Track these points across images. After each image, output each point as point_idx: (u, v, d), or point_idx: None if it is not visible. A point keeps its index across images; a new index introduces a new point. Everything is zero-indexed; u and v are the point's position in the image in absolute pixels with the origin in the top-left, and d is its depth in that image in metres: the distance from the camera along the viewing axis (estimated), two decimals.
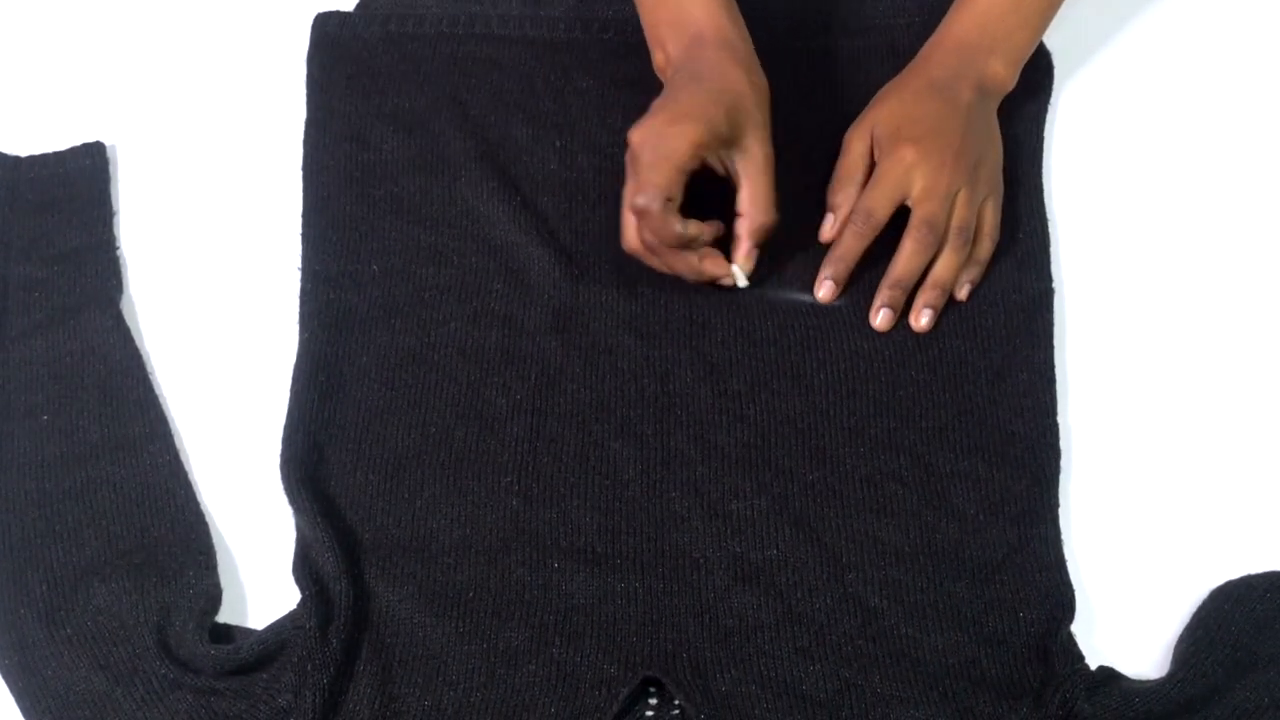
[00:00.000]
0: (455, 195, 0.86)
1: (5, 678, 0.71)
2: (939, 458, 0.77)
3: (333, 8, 0.94)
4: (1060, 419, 0.78)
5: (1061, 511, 0.76)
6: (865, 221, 0.80)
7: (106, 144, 0.89)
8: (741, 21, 0.83)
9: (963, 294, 0.81)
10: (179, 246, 0.87)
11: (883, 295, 0.80)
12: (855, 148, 0.83)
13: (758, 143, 0.79)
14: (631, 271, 0.83)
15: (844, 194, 0.82)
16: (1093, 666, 0.70)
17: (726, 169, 0.80)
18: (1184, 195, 0.88)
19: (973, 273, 0.82)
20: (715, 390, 0.79)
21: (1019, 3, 0.85)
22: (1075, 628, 0.72)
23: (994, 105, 0.85)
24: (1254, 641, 0.71)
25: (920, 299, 0.81)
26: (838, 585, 0.73)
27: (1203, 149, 0.89)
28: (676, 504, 0.76)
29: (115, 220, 0.87)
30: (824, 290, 0.81)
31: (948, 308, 0.81)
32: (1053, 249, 0.84)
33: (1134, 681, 0.70)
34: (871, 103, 0.85)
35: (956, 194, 0.80)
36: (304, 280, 0.83)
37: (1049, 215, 0.86)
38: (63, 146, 0.89)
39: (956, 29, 0.86)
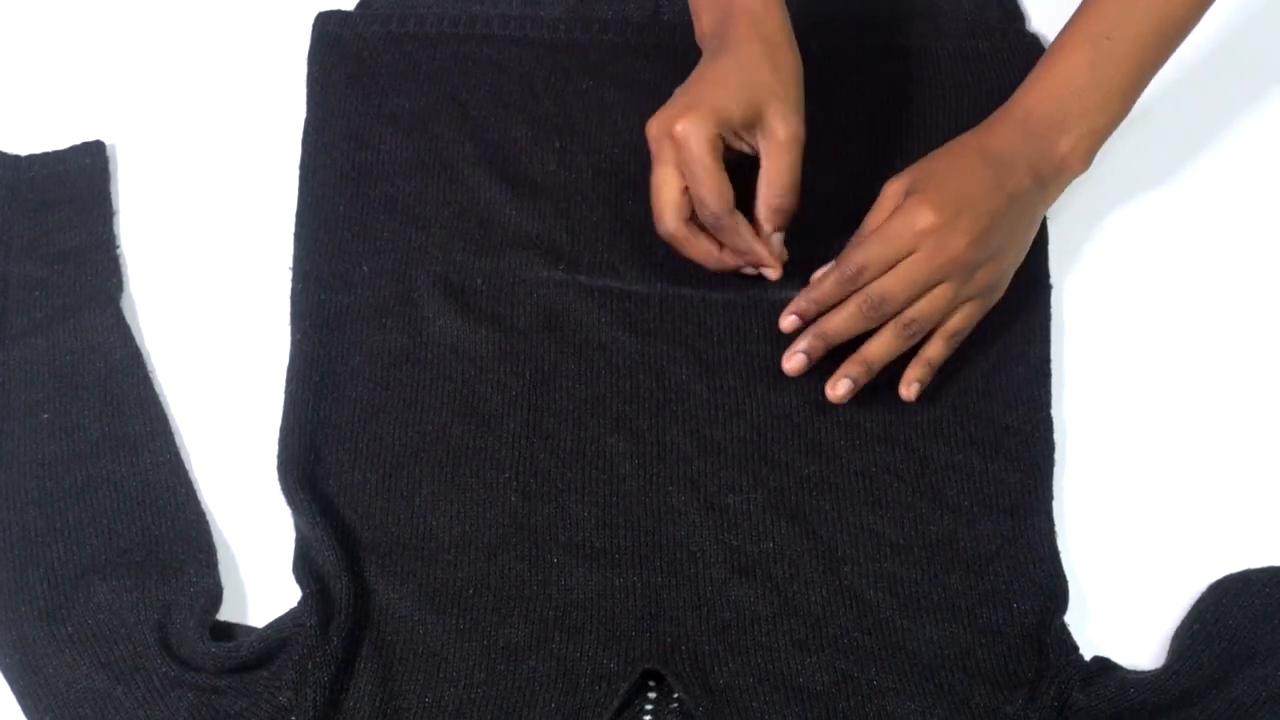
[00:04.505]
0: (451, 195, 0.86)
1: (6, 676, 0.71)
2: (934, 451, 0.77)
3: (333, 7, 0.94)
4: (1055, 412, 0.79)
5: (1057, 504, 0.76)
6: (852, 278, 0.75)
7: (106, 143, 0.89)
8: None
9: (907, 392, 0.77)
10: (179, 245, 0.87)
11: (804, 339, 0.76)
12: (887, 204, 0.78)
13: (780, 120, 0.76)
14: (627, 270, 0.83)
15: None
16: (1088, 657, 0.71)
17: (753, 150, 0.78)
18: (1181, 191, 0.88)
19: (919, 372, 0.77)
20: (711, 386, 0.79)
21: (1100, 78, 0.78)
22: (1071, 619, 0.72)
23: (1051, 194, 0.80)
24: (1252, 635, 0.71)
25: (842, 366, 0.76)
26: (834, 578, 0.74)
27: (1201, 145, 0.89)
28: (673, 498, 0.76)
29: (115, 219, 0.87)
30: (792, 363, 0.77)
31: None
32: (1049, 245, 0.85)
33: (1130, 672, 0.71)
34: (923, 159, 0.79)
35: (936, 285, 0.75)
36: (295, 280, 0.84)
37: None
38: (63, 145, 0.89)
39: (1028, 99, 0.79)
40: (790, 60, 0.78)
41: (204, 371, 0.82)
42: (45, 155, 0.88)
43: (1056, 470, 0.77)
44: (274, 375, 0.80)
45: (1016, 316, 0.81)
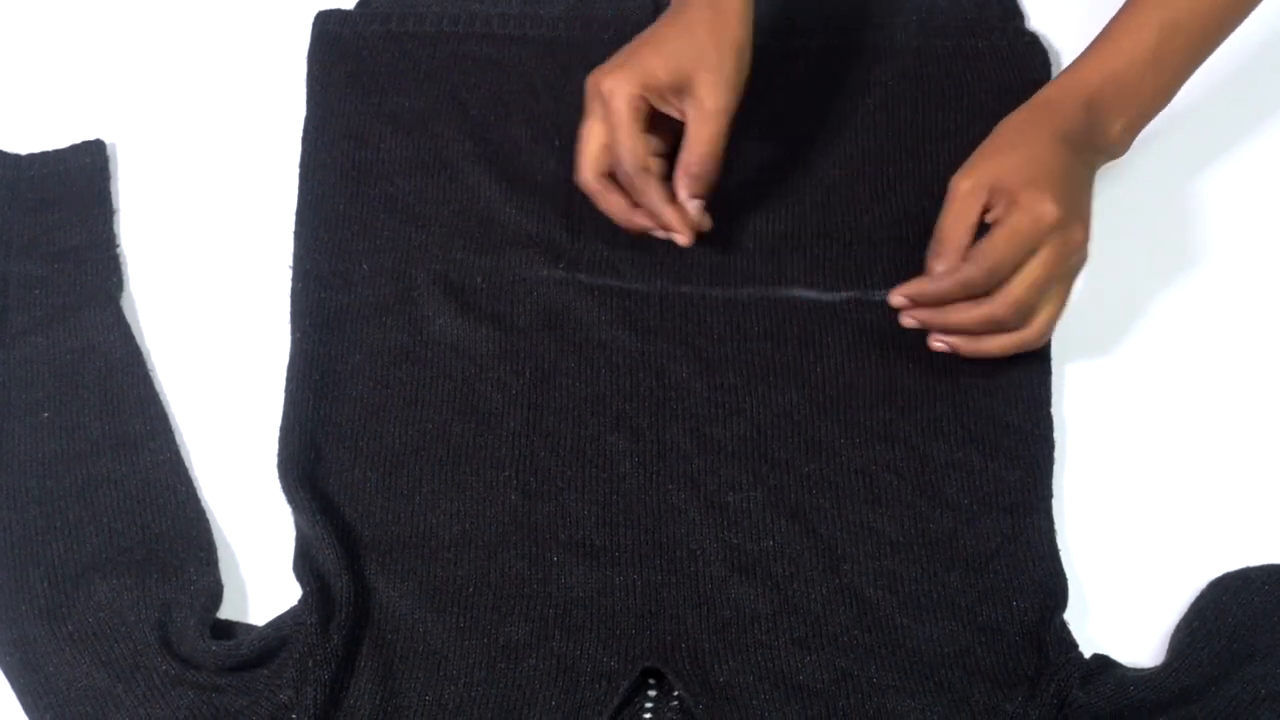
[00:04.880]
0: (450, 194, 0.86)
1: (7, 675, 0.71)
2: (934, 449, 0.77)
3: (333, 6, 0.94)
4: (1055, 410, 0.79)
5: (1057, 502, 0.76)
6: (981, 278, 0.73)
7: (107, 142, 0.89)
8: None
9: (935, 343, 0.77)
10: (179, 244, 0.87)
11: (940, 337, 0.76)
12: (964, 204, 0.75)
13: (708, 90, 0.76)
14: (627, 268, 0.83)
15: (946, 261, 0.75)
16: (1087, 655, 0.71)
17: (681, 114, 0.78)
18: (1180, 189, 0.88)
19: (977, 345, 0.76)
20: (711, 384, 0.80)
21: (1161, 65, 0.77)
22: (1070, 617, 0.72)
23: (1096, 171, 0.79)
24: (1250, 634, 0.71)
25: (949, 337, 0.76)
26: (833, 576, 0.74)
27: (1201, 141, 0.89)
28: (673, 496, 0.76)
29: (115, 218, 0.87)
30: (938, 345, 0.76)
31: None
32: None
33: (1129, 670, 0.71)
34: (982, 149, 0.77)
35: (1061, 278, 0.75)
36: (295, 279, 0.84)
37: None
38: (63, 144, 0.89)
39: (1090, 80, 0.77)
40: (734, 32, 0.77)
41: (204, 371, 0.82)
42: (45, 154, 0.88)
43: (1056, 468, 0.77)
44: (274, 374, 0.80)
45: None
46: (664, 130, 0.79)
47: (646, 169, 0.77)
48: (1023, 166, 0.74)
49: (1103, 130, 0.77)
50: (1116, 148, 0.79)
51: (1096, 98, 0.77)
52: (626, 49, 0.78)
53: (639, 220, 0.79)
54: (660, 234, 0.79)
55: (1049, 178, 0.74)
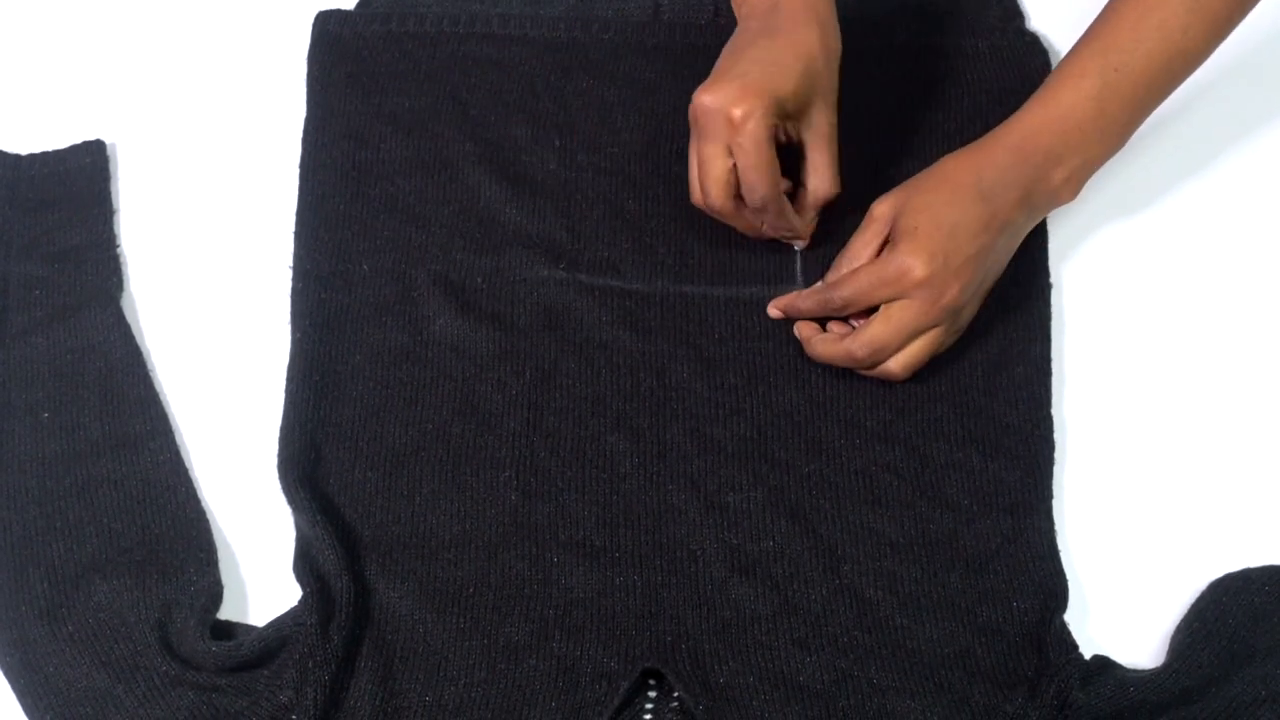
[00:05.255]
0: (451, 194, 0.86)
1: (6, 675, 0.71)
2: (934, 449, 0.77)
3: (333, 6, 0.94)
4: (1055, 411, 0.79)
5: (1057, 503, 0.76)
6: (837, 305, 0.77)
7: (107, 142, 0.89)
8: None
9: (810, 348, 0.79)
10: (179, 244, 0.87)
11: (799, 340, 0.79)
12: (872, 228, 0.78)
13: (823, 113, 0.78)
14: (628, 268, 0.83)
15: (834, 275, 0.78)
16: (1087, 656, 0.71)
17: (790, 137, 0.79)
18: (1180, 190, 0.88)
19: (840, 359, 0.78)
20: (711, 384, 0.80)
21: (1104, 110, 0.76)
22: (1070, 618, 0.72)
23: (1036, 221, 0.80)
24: (1251, 634, 0.71)
25: (798, 329, 0.79)
26: (833, 577, 0.74)
27: (1201, 143, 0.89)
28: (674, 497, 0.76)
29: (115, 218, 0.87)
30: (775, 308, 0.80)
31: None
32: (1050, 244, 0.85)
33: (1129, 671, 0.71)
34: (914, 179, 0.78)
35: (927, 330, 0.76)
36: (295, 279, 0.84)
37: None
38: (63, 144, 0.89)
39: (1028, 125, 0.77)
40: (836, 48, 0.78)
41: (204, 371, 0.82)
42: (45, 154, 0.88)
43: (1056, 469, 0.77)
44: (274, 375, 0.80)
45: (1017, 315, 0.81)
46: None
47: (781, 194, 0.79)
48: (925, 211, 0.75)
49: (1042, 179, 0.77)
50: (1059, 195, 0.78)
51: (1030, 146, 0.76)
52: (740, 68, 0.77)
53: (769, 233, 0.82)
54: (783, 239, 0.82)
55: (939, 233, 0.75)
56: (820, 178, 0.79)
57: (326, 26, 0.93)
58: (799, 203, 0.81)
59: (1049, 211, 0.80)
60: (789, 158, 0.80)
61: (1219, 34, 0.77)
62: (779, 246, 0.84)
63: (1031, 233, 0.83)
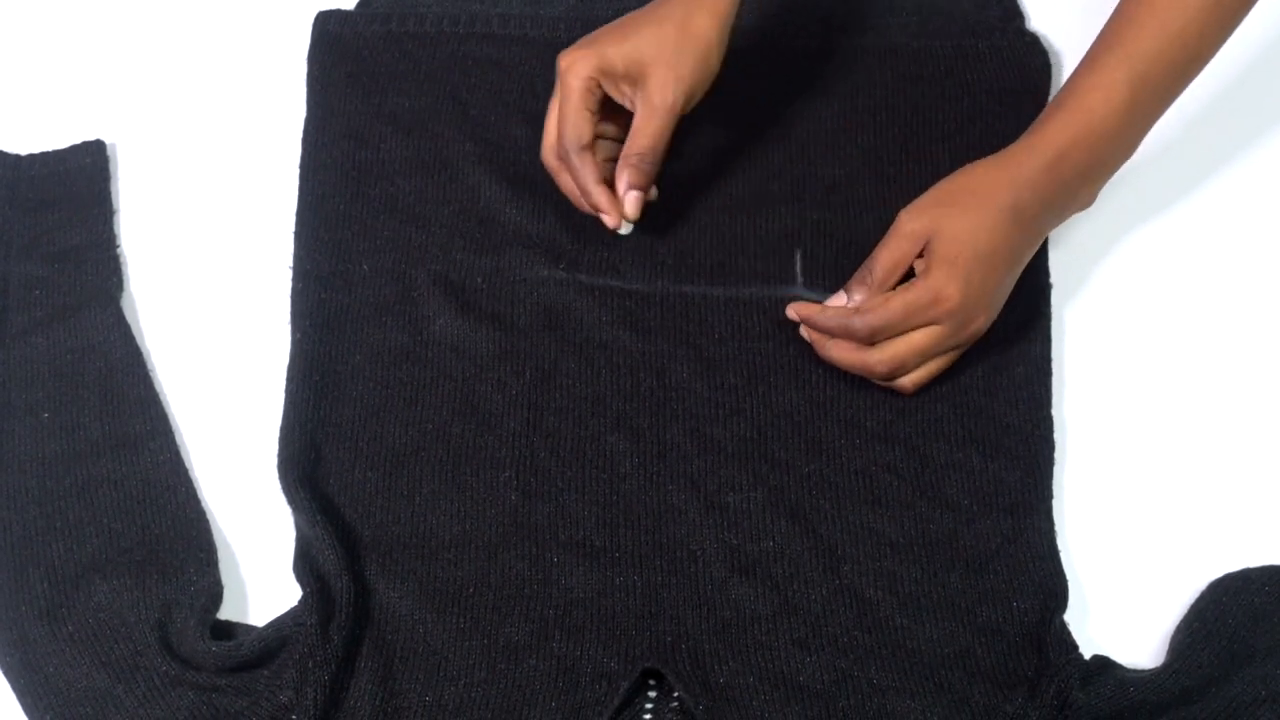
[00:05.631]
0: (451, 194, 0.86)
1: (7, 675, 0.72)
2: (934, 449, 0.77)
3: (333, 6, 0.94)
4: (1055, 411, 0.79)
5: (1057, 503, 0.76)
6: (863, 334, 0.75)
7: (107, 142, 0.89)
8: None
9: (820, 349, 0.78)
10: (179, 244, 0.87)
11: (813, 346, 0.78)
12: (902, 245, 0.75)
13: (659, 86, 0.77)
14: (628, 268, 0.83)
15: (863, 293, 0.76)
16: (1087, 656, 0.71)
17: (632, 104, 0.79)
18: (1182, 191, 0.88)
19: (856, 368, 0.77)
20: (711, 384, 0.80)
21: (1133, 121, 0.75)
22: (1070, 618, 0.72)
23: (1055, 225, 0.79)
24: (1250, 634, 0.71)
25: (806, 331, 0.78)
26: (833, 577, 0.74)
27: (1202, 145, 0.89)
28: (673, 497, 0.76)
29: (115, 218, 0.87)
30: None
31: None
32: (1050, 244, 0.85)
33: (1129, 671, 0.71)
34: (938, 192, 0.76)
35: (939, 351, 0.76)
36: (295, 279, 0.84)
37: None
38: (63, 144, 0.89)
39: (1062, 140, 0.75)
40: (704, 32, 0.77)
41: (204, 371, 0.82)
42: (45, 155, 0.88)
43: (1056, 469, 0.77)
44: (274, 375, 0.80)
45: (1017, 316, 0.81)
46: (619, 118, 0.80)
47: (584, 148, 0.78)
48: (959, 235, 0.74)
49: (1070, 192, 0.77)
50: (1086, 207, 0.79)
51: (1069, 164, 0.75)
52: (598, 31, 0.80)
53: (586, 203, 0.80)
54: (598, 215, 0.80)
55: (974, 260, 0.74)
56: (631, 144, 0.78)
57: (326, 26, 0.93)
58: (616, 168, 0.79)
59: (1062, 220, 0.80)
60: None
61: (1228, 35, 0.77)
62: (779, 247, 0.84)
63: None
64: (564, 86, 0.79)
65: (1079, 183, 0.77)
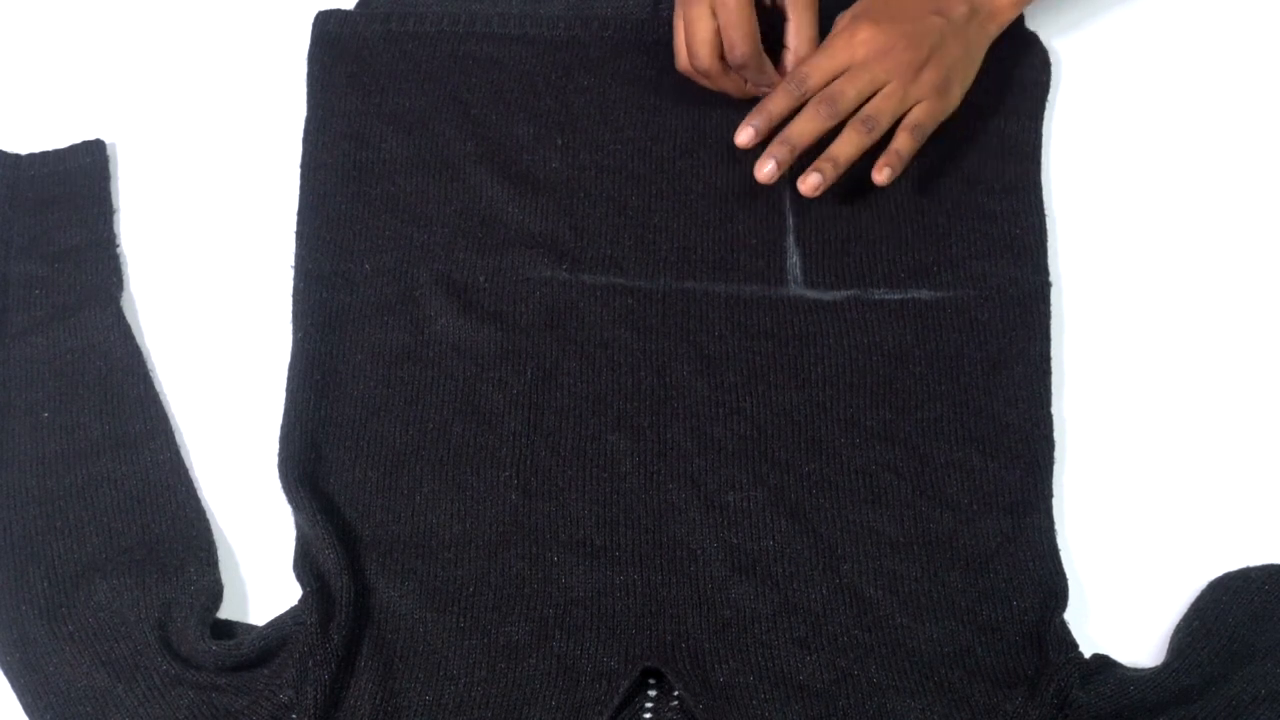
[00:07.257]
0: (452, 194, 0.86)
1: (7, 674, 0.72)
2: (934, 448, 0.77)
3: (333, 6, 0.94)
4: (1055, 410, 0.79)
5: (1057, 502, 0.76)
6: (799, 86, 0.81)
7: (107, 141, 0.89)
8: None
9: (879, 176, 0.81)
10: (179, 244, 0.87)
11: (772, 148, 0.81)
12: (836, 33, 0.83)
13: None
14: (630, 266, 0.83)
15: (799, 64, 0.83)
16: (1087, 655, 0.71)
17: (774, 2, 0.85)
18: (1181, 190, 0.88)
19: (889, 159, 0.81)
20: (712, 383, 0.80)
21: None
22: (1070, 617, 0.72)
23: (988, 32, 0.85)
24: (1251, 633, 0.71)
25: (813, 164, 0.81)
26: (833, 576, 0.74)
27: (1201, 144, 0.89)
28: (674, 496, 0.76)
29: (115, 218, 0.87)
30: (764, 172, 0.81)
31: (948, 302, 0.81)
32: (1050, 243, 0.85)
33: (1129, 670, 0.71)
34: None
35: (884, 85, 0.81)
36: (297, 279, 0.84)
37: (1047, 210, 0.86)
38: (63, 144, 0.89)
39: None
40: None
41: (204, 371, 0.82)
42: (45, 154, 0.88)
43: (1056, 468, 0.77)
44: (274, 375, 0.80)
45: (1016, 314, 0.81)
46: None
47: (761, 50, 0.83)
48: (874, 5, 0.82)
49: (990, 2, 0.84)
50: (1002, 11, 0.85)
51: None
52: None
53: (753, 91, 0.86)
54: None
55: (884, 10, 0.82)
56: (800, 38, 0.84)
57: (326, 26, 0.93)
58: (780, 63, 0.86)
59: (996, 27, 0.85)
60: (775, 22, 0.85)
61: None
62: (778, 244, 0.84)
63: (1032, 231, 0.84)
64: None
65: None
